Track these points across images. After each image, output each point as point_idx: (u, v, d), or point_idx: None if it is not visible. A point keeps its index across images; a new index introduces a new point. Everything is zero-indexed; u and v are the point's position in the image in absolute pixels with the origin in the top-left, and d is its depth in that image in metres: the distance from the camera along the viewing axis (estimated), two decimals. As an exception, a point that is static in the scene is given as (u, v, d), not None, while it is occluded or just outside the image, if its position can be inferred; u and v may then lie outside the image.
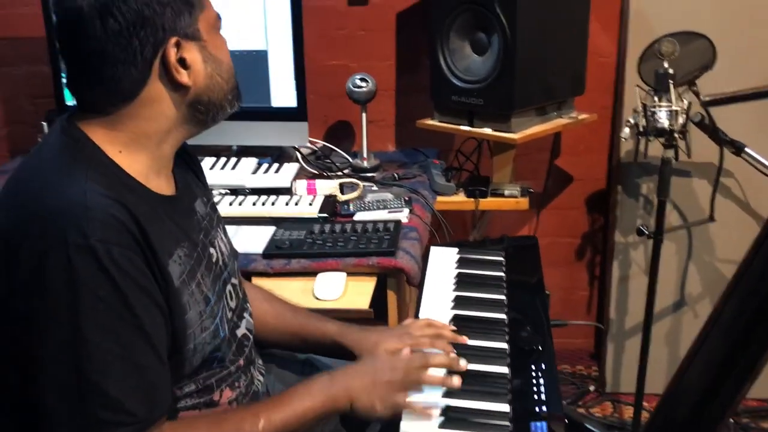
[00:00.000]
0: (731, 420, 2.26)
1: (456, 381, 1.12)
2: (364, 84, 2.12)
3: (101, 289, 0.90)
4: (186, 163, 1.22)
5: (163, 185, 1.07)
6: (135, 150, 1.02)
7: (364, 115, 2.17)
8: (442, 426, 1.10)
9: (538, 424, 1.09)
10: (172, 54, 1.00)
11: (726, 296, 1.07)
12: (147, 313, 0.94)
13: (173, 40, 1.00)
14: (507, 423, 1.11)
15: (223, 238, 1.24)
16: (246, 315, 1.25)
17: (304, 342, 1.36)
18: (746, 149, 1.93)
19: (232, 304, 1.19)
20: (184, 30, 1.01)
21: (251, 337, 1.25)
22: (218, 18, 1.08)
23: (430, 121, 2.08)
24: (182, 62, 1.01)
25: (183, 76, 1.02)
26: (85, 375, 0.89)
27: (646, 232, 1.89)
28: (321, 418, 1.10)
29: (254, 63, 2.00)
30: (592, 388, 2.50)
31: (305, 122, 2.06)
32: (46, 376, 0.90)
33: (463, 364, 1.16)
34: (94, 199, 0.92)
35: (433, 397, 1.13)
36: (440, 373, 1.15)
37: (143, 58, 0.98)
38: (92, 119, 1.01)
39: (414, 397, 1.11)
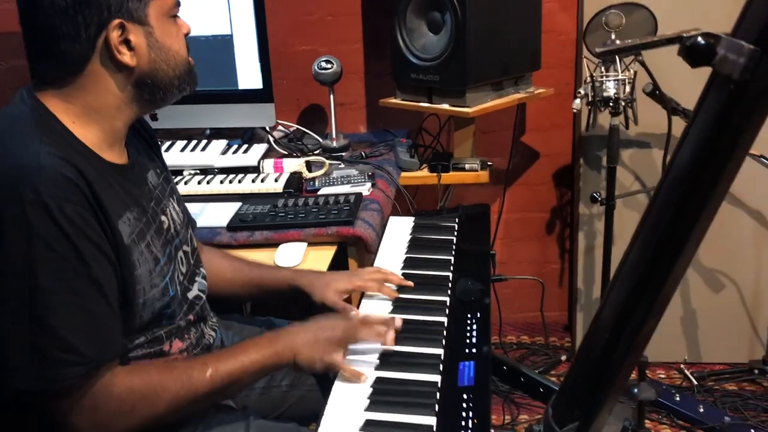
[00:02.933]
0: (695, 382, 2.33)
1: (390, 338, 1.19)
2: (329, 66, 2.20)
3: (55, 241, 0.98)
4: (143, 138, 1.31)
5: (115, 155, 1.15)
6: (87, 121, 1.10)
7: (332, 96, 2.25)
8: (377, 368, 1.18)
9: (466, 363, 1.17)
10: (115, 35, 1.06)
11: (634, 236, 1.15)
12: (98, 265, 1.02)
13: (116, 21, 1.06)
14: (437, 362, 1.19)
15: (176, 207, 1.32)
16: (198, 278, 1.33)
17: (261, 290, 1.46)
18: (697, 117, 1.99)
19: (183, 269, 1.27)
20: (131, 13, 1.07)
21: (203, 297, 1.33)
22: (175, 5, 1.15)
23: (392, 100, 2.17)
24: (127, 43, 1.08)
25: (125, 57, 1.08)
26: (40, 319, 0.98)
27: (599, 199, 1.97)
28: (266, 371, 1.18)
29: (220, 48, 2.09)
30: (563, 357, 2.57)
31: (272, 103, 2.14)
32: (4, 320, 0.99)
33: (398, 322, 1.24)
34: (47, 160, 1.00)
35: (372, 352, 1.21)
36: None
37: (87, 36, 1.06)
38: (48, 90, 1.09)
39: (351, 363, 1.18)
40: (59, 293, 0.99)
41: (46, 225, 0.97)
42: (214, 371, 1.12)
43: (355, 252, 1.77)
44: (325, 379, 1.26)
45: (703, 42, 0.84)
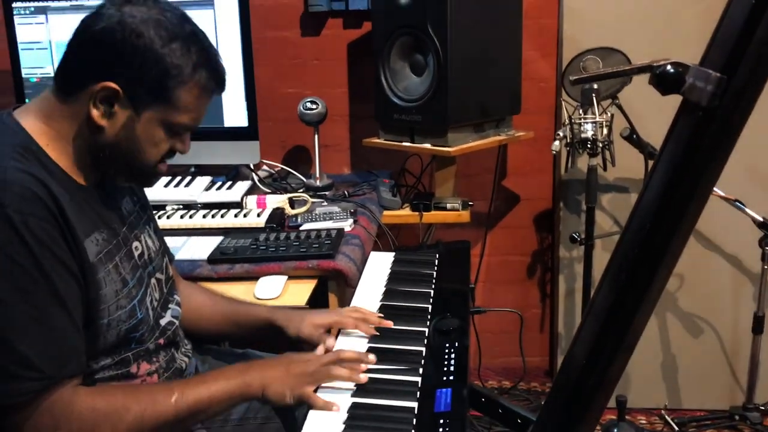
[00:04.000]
0: (676, 428, 2.32)
1: (363, 378, 1.18)
2: (314, 106, 2.23)
3: (17, 254, 0.97)
4: None
5: (85, 178, 1.15)
6: (61, 145, 1.10)
7: (316, 136, 2.28)
8: (354, 395, 1.17)
9: (443, 390, 1.16)
10: (102, 91, 1.06)
11: (604, 273, 1.16)
12: (61, 280, 1.02)
13: (113, 84, 1.06)
14: (414, 391, 1.18)
15: (152, 235, 1.32)
16: (171, 305, 1.32)
17: (238, 326, 1.45)
18: (673, 161, 2.04)
19: (156, 296, 1.27)
20: (134, 93, 1.08)
21: (176, 323, 1.32)
22: (181, 129, 1.14)
23: (375, 140, 2.20)
24: (109, 107, 1.08)
25: (97, 116, 1.08)
26: None
27: (578, 239, 1.99)
28: (234, 401, 1.16)
29: (207, 86, 2.12)
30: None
31: (257, 141, 2.17)
32: None
33: (372, 358, 1.23)
34: (13, 175, 1.00)
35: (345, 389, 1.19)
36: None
37: (91, 72, 1.07)
38: (30, 112, 1.11)
39: (327, 393, 1.16)
40: (18, 307, 0.98)
41: (9, 237, 0.97)
42: (180, 396, 1.10)
43: (335, 286, 1.77)
44: (288, 411, 1.25)
45: (672, 70, 0.88)
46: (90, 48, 1.09)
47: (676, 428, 2.32)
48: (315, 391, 1.16)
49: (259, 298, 1.66)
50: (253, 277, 1.73)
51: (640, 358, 2.44)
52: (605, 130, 1.89)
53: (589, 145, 1.88)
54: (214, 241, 1.85)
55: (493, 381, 2.70)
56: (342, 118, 2.55)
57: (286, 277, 1.72)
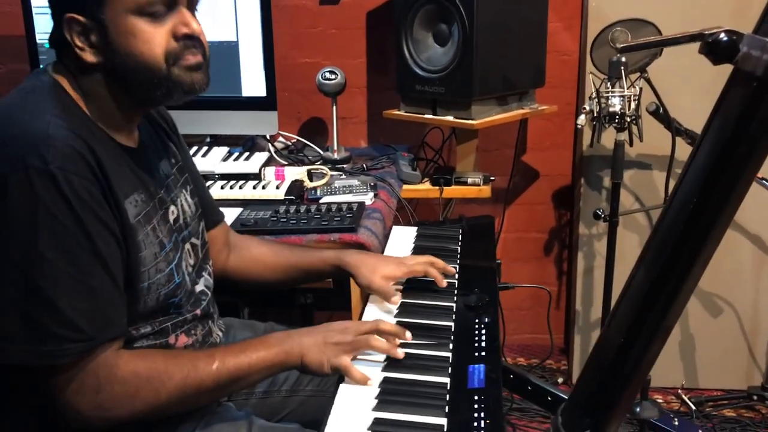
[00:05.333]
0: (694, 407, 2.30)
1: (400, 352, 1.16)
2: (333, 77, 2.19)
3: (60, 213, 0.95)
4: (160, 126, 1.29)
5: (124, 138, 1.12)
6: (94, 104, 1.08)
7: (334, 108, 2.24)
8: (385, 369, 1.15)
9: (476, 366, 1.14)
10: (71, 31, 1.02)
11: (642, 253, 1.14)
12: (103, 241, 0.99)
13: (68, 16, 1.01)
14: (447, 366, 1.16)
15: (188, 199, 1.29)
16: (205, 274, 1.30)
17: (305, 273, 1.45)
18: (700, 138, 2.00)
19: (191, 261, 1.24)
20: (83, 7, 1.01)
21: (209, 293, 1.30)
22: (148, 3, 1.02)
23: (396, 112, 2.16)
24: (88, 40, 1.03)
25: (85, 54, 1.03)
26: (40, 291, 0.94)
27: (602, 215, 1.96)
28: (273, 369, 1.14)
29: (226, 53, 2.08)
30: (560, 380, 2.53)
31: (275, 111, 2.13)
32: (3, 289, 0.95)
33: (408, 335, 1.21)
34: (56, 131, 0.97)
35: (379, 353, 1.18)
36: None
37: (57, 25, 1.04)
38: (63, 69, 1.08)
39: (359, 365, 1.14)
40: (61, 265, 0.95)
41: (52, 194, 0.94)
42: (221, 363, 1.09)
43: (356, 260, 1.75)
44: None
45: (725, 38, 0.83)
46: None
47: (693, 407, 2.30)
48: (352, 360, 1.14)
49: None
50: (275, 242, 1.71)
51: (658, 337, 2.42)
52: (633, 105, 1.85)
53: (616, 120, 1.83)
54: (233, 213, 1.82)
55: (508, 357, 2.68)
56: (360, 89, 2.50)
57: (308, 249, 1.70)
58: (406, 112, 2.13)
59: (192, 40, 1.07)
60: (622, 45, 1.00)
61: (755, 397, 2.32)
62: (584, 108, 1.94)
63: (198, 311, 1.23)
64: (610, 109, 1.84)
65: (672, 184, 2.07)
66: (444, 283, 1.38)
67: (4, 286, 0.95)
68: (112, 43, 1.03)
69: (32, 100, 1.03)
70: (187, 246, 1.24)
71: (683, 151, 2.07)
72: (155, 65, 1.05)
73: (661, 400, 2.41)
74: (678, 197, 1.08)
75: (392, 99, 2.25)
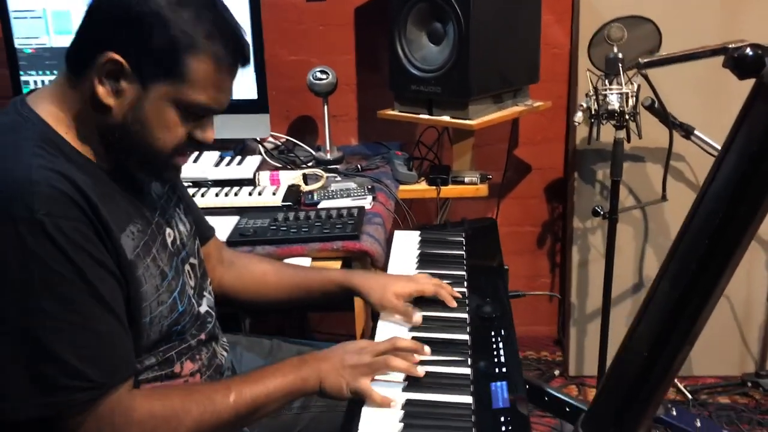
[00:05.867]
0: (689, 396, 2.33)
1: (420, 371, 1.14)
2: (324, 76, 2.15)
3: (53, 261, 0.90)
4: None
5: (112, 163, 1.06)
6: (79, 130, 1.02)
7: (326, 107, 2.20)
8: (405, 389, 1.13)
9: (498, 384, 1.13)
10: (107, 64, 0.96)
11: (664, 265, 1.13)
12: (102, 282, 0.95)
13: (117, 55, 0.96)
14: (468, 384, 1.14)
15: (183, 218, 1.25)
16: (206, 294, 1.27)
17: (308, 293, 1.41)
18: (695, 132, 2.00)
19: (192, 283, 1.21)
20: (140, 64, 0.97)
21: (214, 314, 1.27)
22: (197, 107, 1.00)
23: (390, 111, 2.13)
24: (115, 83, 0.98)
25: (101, 91, 0.97)
26: (43, 345, 0.90)
27: (601, 213, 1.95)
28: (291, 396, 1.12)
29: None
30: (557, 372, 2.55)
31: (266, 114, 2.09)
32: (5, 347, 0.91)
33: (427, 350, 1.19)
34: (39, 174, 0.92)
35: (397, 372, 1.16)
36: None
37: (94, 45, 0.98)
38: (45, 98, 1.02)
39: (378, 387, 1.12)
40: (61, 315, 0.92)
41: (42, 243, 0.90)
42: (238, 396, 1.06)
43: (359, 267, 1.72)
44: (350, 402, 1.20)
45: (751, 53, 0.82)
46: (95, 18, 1.00)
47: (689, 396, 2.33)
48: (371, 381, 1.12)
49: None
50: (275, 260, 1.67)
51: (653, 327, 2.44)
52: (632, 101, 1.84)
53: (615, 117, 1.82)
54: (229, 221, 1.79)
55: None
56: (349, 87, 2.46)
57: (310, 259, 1.67)
58: (400, 111, 2.10)
59: (199, 146, 1.08)
60: (644, 61, 0.99)
61: (749, 384, 2.36)
62: (581, 105, 1.93)
63: (203, 335, 1.20)
64: (609, 107, 1.83)
65: (670, 179, 2.07)
66: (454, 303, 1.36)
67: (6, 343, 0.91)
68: (139, 111, 1.00)
69: (11, 141, 0.97)
70: (187, 267, 1.20)
71: (679, 144, 2.07)
72: (161, 153, 1.03)
73: (657, 390, 2.43)
74: (702, 210, 1.07)
75: (383, 96, 2.21)
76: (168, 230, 1.17)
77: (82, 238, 0.93)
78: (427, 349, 1.19)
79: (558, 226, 2.60)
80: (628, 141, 1.91)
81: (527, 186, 2.56)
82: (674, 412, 2.39)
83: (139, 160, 1.05)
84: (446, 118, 1.99)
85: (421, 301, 1.38)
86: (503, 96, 2.07)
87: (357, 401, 1.12)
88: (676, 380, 2.43)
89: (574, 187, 2.39)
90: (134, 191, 1.10)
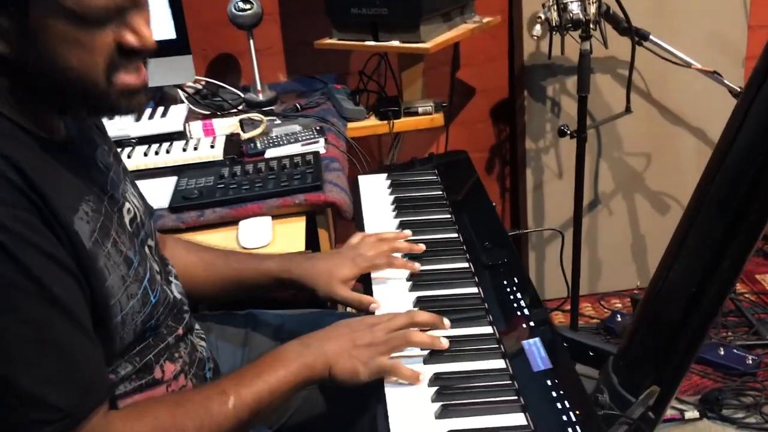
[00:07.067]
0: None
1: (444, 342, 0.99)
2: (248, 6, 1.88)
3: None
4: None
5: (50, 129, 0.85)
6: (11, 91, 0.79)
7: (251, 42, 1.95)
8: (428, 362, 0.98)
9: (531, 341, 1.00)
10: None
11: (699, 196, 1.02)
12: (57, 282, 0.75)
13: None
14: (496, 345, 1.01)
15: (134, 192, 1.04)
16: (172, 278, 1.07)
17: (242, 287, 1.20)
18: (650, 37, 1.90)
19: (157, 267, 1.00)
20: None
21: (186, 301, 1.07)
22: (87, 6, 0.75)
23: (328, 41, 1.90)
24: None
25: None
26: None
27: (568, 132, 1.84)
28: (297, 388, 0.95)
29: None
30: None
31: (189, 55, 1.82)
32: None
33: (447, 323, 1.03)
34: None
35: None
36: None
37: None
38: None
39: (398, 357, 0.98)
40: (12, 329, 0.71)
41: None
42: (237, 399, 0.89)
43: (324, 221, 1.54)
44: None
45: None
46: None
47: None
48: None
49: (246, 248, 1.40)
50: (230, 222, 1.46)
51: (610, 242, 2.41)
52: (593, 8, 1.70)
53: (581, 27, 1.68)
54: (168, 184, 1.55)
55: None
56: (271, 16, 2.20)
57: (270, 217, 1.47)
58: (340, 39, 1.88)
59: (141, 53, 0.81)
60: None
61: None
62: (539, 17, 1.78)
63: (180, 330, 1.01)
64: (572, 16, 1.68)
65: (619, 90, 1.97)
66: (417, 267, 1.17)
67: None
68: (36, 42, 0.75)
69: None
70: (146, 250, 0.99)
71: (625, 54, 1.96)
72: (90, 77, 0.78)
73: (619, 305, 2.42)
74: (746, 130, 0.96)
75: (313, 23, 1.98)
76: (126, 205, 0.96)
77: (26, 227, 0.73)
78: (447, 322, 1.03)
79: (506, 149, 2.49)
80: (591, 53, 1.78)
81: (473, 110, 2.41)
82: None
83: (78, 101, 0.81)
84: (396, 43, 1.79)
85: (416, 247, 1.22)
86: (451, 14, 1.88)
87: (373, 386, 0.96)
88: (635, 292, 2.43)
89: (524, 107, 2.26)
90: (80, 163, 0.88)
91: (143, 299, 0.90)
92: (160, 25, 1.77)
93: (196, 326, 1.11)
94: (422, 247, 1.21)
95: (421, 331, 1.00)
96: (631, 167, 2.30)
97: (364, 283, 1.20)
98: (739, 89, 1.97)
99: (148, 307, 0.92)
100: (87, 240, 0.81)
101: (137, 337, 0.91)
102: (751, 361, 1.97)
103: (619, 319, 2.15)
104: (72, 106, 0.84)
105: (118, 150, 1.61)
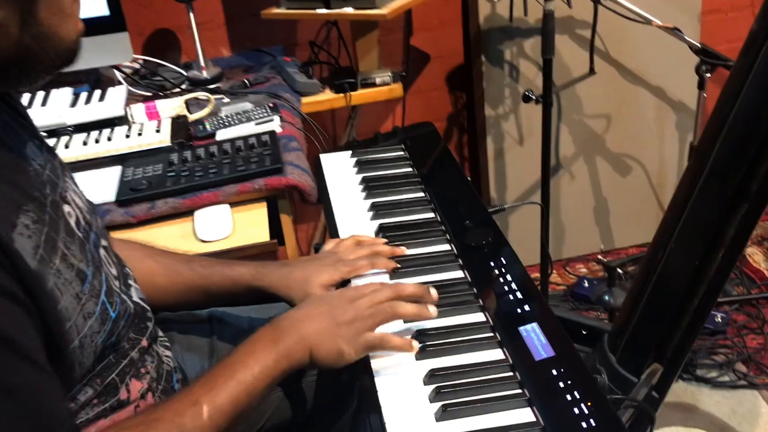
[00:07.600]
0: (620, 270, 2.31)
1: (433, 311, 0.92)
2: (186, -23, 1.74)
3: None
4: (1, 100, 0.85)
5: None
6: None
7: (191, 15, 1.82)
8: (419, 358, 0.91)
9: (528, 327, 0.93)
10: None
11: (698, 164, 0.96)
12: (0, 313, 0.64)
13: None
14: (491, 334, 0.94)
15: (75, 189, 0.91)
16: (131, 281, 0.96)
17: (209, 295, 1.08)
18: (608, -6, 1.84)
19: (114, 272, 0.89)
20: None
21: (148, 307, 0.96)
22: None
23: (276, 10, 1.77)
24: None
25: None
26: None
27: (533, 97, 1.77)
28: (276, 379, 0.86)
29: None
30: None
31: (125, 32, 1.67)
32: None
33: (434, 293, 0.96)
34: None
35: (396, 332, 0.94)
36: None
37: None
38: None
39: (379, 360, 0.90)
40: None
41: None
42: (211, 406, 0.79)
43: (287, 206, 1.44)
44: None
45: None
46: None
47: (619, 270, 2.30)
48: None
49: (205, 241, 1.29)
50: (184, 214, 1.35)
51: (572, 206, 2.37)
52: (554, -34, 1.62)
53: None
54: (111, 175, 1.43)
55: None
56: (210, -13, 2.05)
57: (228, 206, 1.36)
58: (289, 8, 1.75)
59: None
60: None
61: (670, 247, 2.37)
62: (498, -22, 1.69)
63: (144, 341, 0.90)
64: (534, -25, 1.60)
65: (576, 52, 1.91)
66: (392, 265, 1.07)
67: None
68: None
69: None
70: (101, 252, 0.88)
71: (584, 14, 1.90)
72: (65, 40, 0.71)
73: (584, 270, 2.40)
74: (743, 105, 0.90)
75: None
76: (66, 207, 0.83)
77: None
78: (434, 291, 0.96)
79: (463, 117, 2.41)
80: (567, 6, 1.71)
81: (428, 78, 2.32)
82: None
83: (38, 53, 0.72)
84: (349, 10, 1.68)
85: (391, 237, 1.14)
86: (404, -24, 1.78)
87: (357, 377, 0.89)
88: (599, 256, 2.41)
89: (481, 72, 2.18)
90: (12, 165, 0.76)
91: (102, 316, 0.79)
92: (92, 2, 1.61)
93: (160, 333, 1.00)
94: (405, 250, 1.11)
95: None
96: (591, 130, 2.26)
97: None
98: (699, 45, 1.94)
99: (109, 324, 0.81)
100: (31, 258, 0.69)
101: (98, 357, 0.80)
102: (720, 319, 1.97)
103: (586, 285, 2.12)
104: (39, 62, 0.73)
105: (54, 141, 1.49)
